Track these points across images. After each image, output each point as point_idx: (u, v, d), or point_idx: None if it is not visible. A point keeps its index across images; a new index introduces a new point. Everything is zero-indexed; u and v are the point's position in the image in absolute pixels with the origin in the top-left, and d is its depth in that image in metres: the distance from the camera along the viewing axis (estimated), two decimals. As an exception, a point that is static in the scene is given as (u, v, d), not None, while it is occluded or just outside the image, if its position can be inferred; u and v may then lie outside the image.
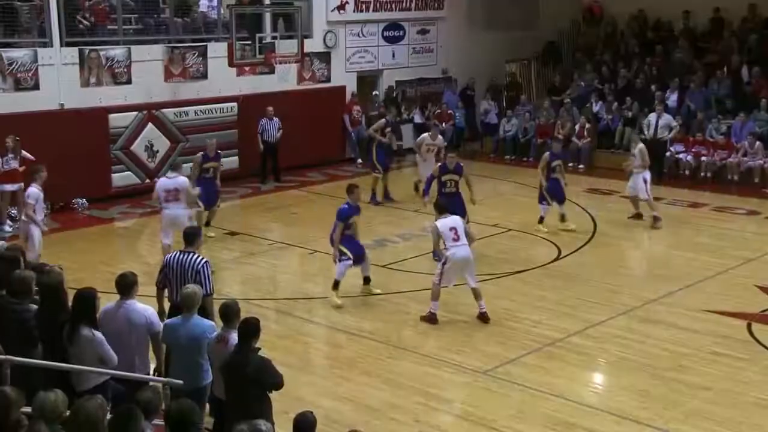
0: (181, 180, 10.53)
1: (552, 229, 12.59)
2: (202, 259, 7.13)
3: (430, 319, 9.18)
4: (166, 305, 7.26)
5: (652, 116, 16.60)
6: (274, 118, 15.95)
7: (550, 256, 11.57)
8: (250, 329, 5.76)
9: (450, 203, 10.34)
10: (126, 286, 6.26)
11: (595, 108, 18.32)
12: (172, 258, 7.22)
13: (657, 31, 19.98)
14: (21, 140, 12.60)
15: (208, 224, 12.09)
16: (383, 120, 15.12)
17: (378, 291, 10.10)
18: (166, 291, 7.25)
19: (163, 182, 10.67)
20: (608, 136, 17.91)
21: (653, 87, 17.88)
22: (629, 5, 20.35)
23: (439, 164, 11.65)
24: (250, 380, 5.62)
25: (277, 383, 5.75)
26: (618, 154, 17.37)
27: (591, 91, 18.83)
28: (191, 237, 7.39)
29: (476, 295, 9.26)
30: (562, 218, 12.71)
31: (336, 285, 9.69)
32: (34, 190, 10.12)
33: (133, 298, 6.27)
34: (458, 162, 11.61)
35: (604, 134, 17.95)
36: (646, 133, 16.54)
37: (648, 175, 13.09)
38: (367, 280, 10.07)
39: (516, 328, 9.10)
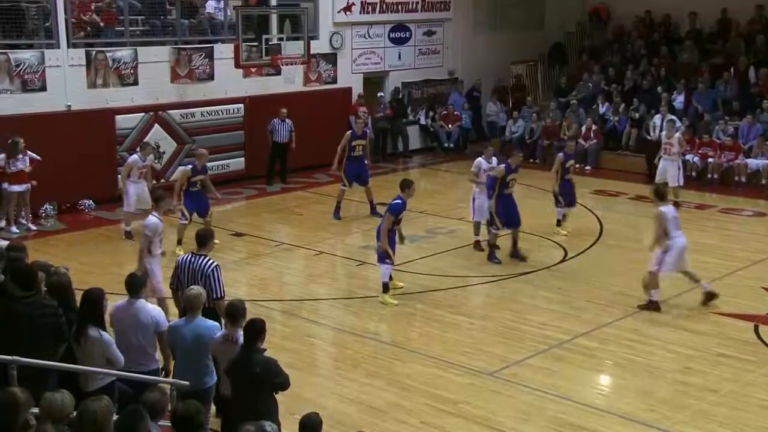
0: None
1: (570, 233, 12.55)
2: (213, 262, 7.06)
3: (651, 306, 9.38)
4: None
5: (657, 117, 16.61)
6: (287, 120, 15.83)
7: (557, 257, 11.56)
8: (256, 329, 5.77)
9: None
10: (135, 286, 6.30)
11: (602, 109, 18.30)
12: (183, 260, 7.20)
13: (664, 33, 19.94)
14: (28, 141, 12.61)
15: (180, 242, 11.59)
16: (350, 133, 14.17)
17: (401, 284, 10.12)
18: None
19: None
20: (615, 138, 17.88)
21: (660, 88, 17.85)
22: (636, 6, 20.32)
23: (504, 164, 11.29)
24: (256, 380, 5.63)
25: (283, 384, 5.76)
26: (624, 156, 17.36)
27: (597, 93, 18.80)
28: (204, 239, 7.25)
29: (694, 278, 9.54)
30: (561, 220, 12.59)
31: (386, 288, 9.75)
32: (154, 220, 8.63)
33: (141, 298, 6.31)
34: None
35: (611, 136, 17.91)
36: (652, 134, 16.54)
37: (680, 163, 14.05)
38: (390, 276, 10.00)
39: (522, 329, 9.09)
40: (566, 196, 12.53)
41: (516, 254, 11.35)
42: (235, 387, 5.82)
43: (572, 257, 11.59)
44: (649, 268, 9.47)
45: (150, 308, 6.31)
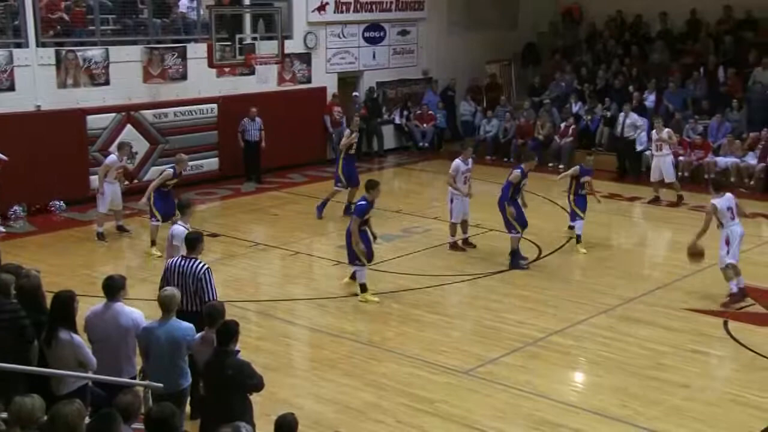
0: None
1: (535, 230, 12.62)
2: (204, 265, 6.98)
3: (737, 297, 9.50)
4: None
5: (621, 116, 16.87)
6: (257, 119, 15.89)
7: (531, 255, 11.61)
8: (229, 331, 5.74)
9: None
10: (113, 288, 6.21)
11: (575, 108, 18.43)
12: (173, 264, 7.10)
13: (635, 33, 20.14)
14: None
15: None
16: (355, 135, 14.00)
17: (376, 299, 9.95)
18: None
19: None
20: (588, 136, 18.02)
21: (631, 87, 18.02)
22: (607, 6, 20.50)
23: (519, 169, 11.14)
24: (228, 382, 5.59)
25: (257, 385, 5.72)
26: (598, 153, 17.50)
27: (570, 92, 18.94)
28: (193, 242, 7.16)
29: (736, 271, 9.61)
30: (580, 235, 11.95)
31: (364, 288, 9.78)
32: (181, 229, 8.07)
33: (120, 301, 6.22)
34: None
35: (584, 134, 18.05)
36: (618, 132, 16.77)
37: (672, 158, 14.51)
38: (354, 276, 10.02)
39: (498, 328, 9.12)
40: (583, 210, 11.92)
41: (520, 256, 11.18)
42: (209, 388, 5.78)
43: (546, 255, 11.66)
44: (721, 265, 9.61)
45: (129, 311, 6.21)
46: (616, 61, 19.18)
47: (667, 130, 14.75)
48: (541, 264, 11.34)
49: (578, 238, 11.86)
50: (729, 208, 9.59)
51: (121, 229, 12.66)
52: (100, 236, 12.23)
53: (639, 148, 16.49)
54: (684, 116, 17.03)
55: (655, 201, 14.60)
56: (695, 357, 8.34)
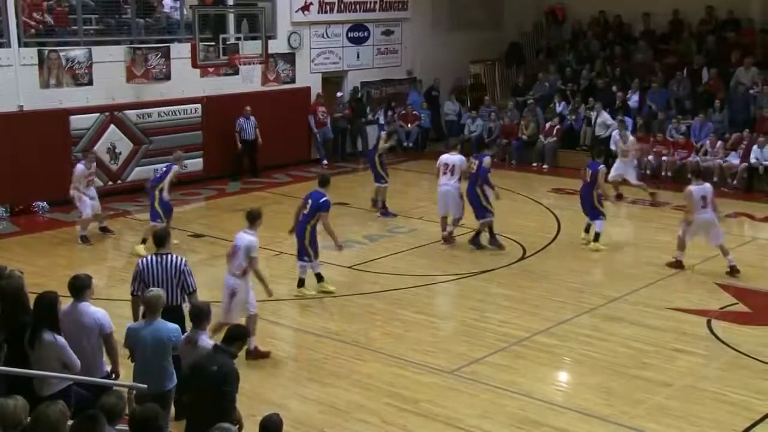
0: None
1: (519, 230, 12.69)
2: (183, 259, 7.14)
3: (676, 264, 10.66)
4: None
5: (592, 115, 17.01)
6: (251, 117, 16.18)
7: (515, 255, 11.67)
8: (238, 335, 5.78)
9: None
10: (78, 288, 6.18)
11: (559, 108, 18.53)
12: (148, 262, 7.09)
13: (618, 33, 20.27)
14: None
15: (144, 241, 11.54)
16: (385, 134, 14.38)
17: (332, 288, 10.08)
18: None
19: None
20: (571, 136, 18.12)
21: (614, 87, 18.15)
22: (591, 7, 20.62)
23: (486, 156, 11.94)
24: (212, 379, 5.50)
25: (227, 394, 5.51)
26: (581, 153, 17.60)
27: (554, 92, 19.04)
28: (164, 239, 7.29)
29: (723, 252, 10.56)
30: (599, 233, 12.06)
31: (302, 283, 9.95)
32: (255, 239, 8.09)
33: (86, 301, 6.19)
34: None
35: (568, 134, 18.15)
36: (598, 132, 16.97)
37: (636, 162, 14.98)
38: (320, 278, 10.10)
39: (482, 327, 9.16)
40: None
41: (495, 242, 11.83)
42: (195, 387, 5.69)
43: (530, 255, 11.71)
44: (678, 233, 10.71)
45: (93, 310, 6.17)
46: (600, 62, 19.31)
47: (631, 139, 14.99)
48: (525, 264, 11.40)
49: (597, 237, 11.87)
50: (703, 197, 10.38)
51: (104, 230, 12.61)
52: (84, 239, 12.15)
53: (612, 146, 16.60)
54: (667, 116, 17.17)
55: (619, 198, 14.74)
56: (678, 356, 8.41)
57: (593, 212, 12.03)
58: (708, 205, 10.48)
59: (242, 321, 7.77)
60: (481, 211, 11.63)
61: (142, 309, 6.52)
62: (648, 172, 16.53)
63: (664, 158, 16.46)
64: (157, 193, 11.65)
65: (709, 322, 9.24)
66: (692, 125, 16.79)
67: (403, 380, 7.86)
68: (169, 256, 7.09)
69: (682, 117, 17.05)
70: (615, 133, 15.67)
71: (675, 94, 17.77)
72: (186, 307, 7.00)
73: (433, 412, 7.24)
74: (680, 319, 9.34)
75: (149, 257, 7.20)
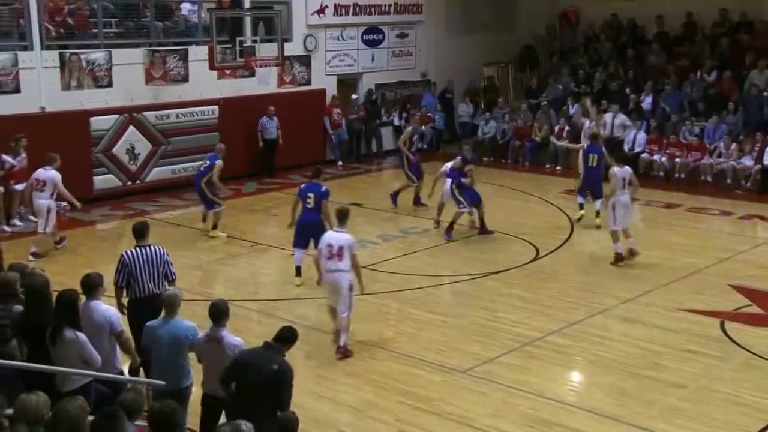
0: (52, 173, 11.28)
1: (531, 230, 12.65)
2: (163, 249, 7.46)
3: (618, 258, 11.03)
4: (125, 301, 7.34)
5: (608, 116, 16.98)
6: (275, 117, 16.38)
7: (528, 256, 11.64)
8: (289, 336, 5.86)
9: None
10: (90, 286, 6.26)
11: (571, 111, 18.46)
12: (132, 254, 7.31)
13: (631, 35, 20.17)
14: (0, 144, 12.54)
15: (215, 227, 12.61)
16: (410, 129, 14.63)
17: (298, 282, 10.39)
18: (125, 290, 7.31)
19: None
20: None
21: (628, 90, 18.05)
22: (604, 10, 20.53)
23: (461, 155, 12.66)
24: (270, 377, 5.46)
25: (286, 398, 5.52)
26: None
27: (567, 94, 18.97)
28: (144, 231, 7.57)
29: (626, 234, 11.06)
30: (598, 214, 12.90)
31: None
32: (350, 237, 8.36)
33: (98, 299, 6.26)
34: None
35: (580, 136, 18.04)
36: (603, 131, 16.81)
37: None
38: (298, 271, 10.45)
39: (495, 327, 9.14)
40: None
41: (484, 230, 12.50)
42: (248, 382, 5.54)
43: (543, 256, 11.68)
44: (610, 228, 11.11)
45: (104, 308, 6.24)
46: (613, 64, 19.22)
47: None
48: (538, 265, 11.37)
49: (598, 213, 12.73)
50: (623, 179, 10.85)
51: (60, 241, 11.93)
52: (36, 255, 11.32)
53: (626, 147, 16.55)
54: (680, 118, 17.07)
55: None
56: (691, 357, 8.36)
57: (582, 192, 13.26)
58: (626, 188, 10.93)
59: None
60: (457, 202, 12.31)
61: (125, 300, 7.20)
62: (661, 173, 16.46)
63: (677, 160, 16.37)
64: (203, 185, 12.16)
65: (722, 324, 9.17)
66: (706, 127, 16.68)
67: (417, 379, 7.86)
68: (152, 247, 7.39)
69: (696, 119, 16.95)
70: (631, 134, 15.58)
71: (688, 96, 17.66)
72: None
73: (446, 411, 7.23)
74: (693, 321, 9.28)
75: (133, 249, 7.38)
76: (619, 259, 11.05)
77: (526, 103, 19.24)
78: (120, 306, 7.17)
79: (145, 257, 7.29)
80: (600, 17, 20.73)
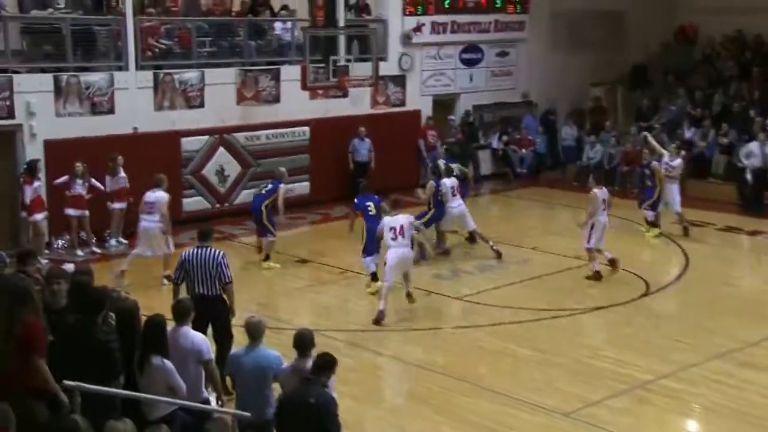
0: (160, 194, 11.62)
1: (642, 265, 12.25)
2: (220, 251, 8.10)
3: (596, 276, 11.51)
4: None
5: (753, 145, 16.10)
6: (366, 139, 16.46)
7: (637, 291, 11.26)
8: (326, 363, 5.78)
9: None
10: (181, 312, 6.48)
11: (688, 134, 17.84)
12: (190, 254, 8.04)
13: (757, 53, 19.39)
14: (94, 165, 13.10)
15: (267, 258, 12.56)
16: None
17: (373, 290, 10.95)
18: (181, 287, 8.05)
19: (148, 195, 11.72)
20: (702, 165, 17.37)
21: (752, 112, 17.31)
22: (726, 25, 19.82)
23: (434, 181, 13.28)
24: (308, 412, 5.50)
25: (336, 423, 5.57)
26: (713, 184, 16.85)
27: (682, 117, 18.37)
28: (209, 233, 8.39)
29: (600, 252, 11.66)
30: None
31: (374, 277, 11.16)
32: (406, 216, 10.76)
33: (187, 325, 6.45)
34: None
35: (698, 162, 17.43)
36: (745, 162, 16.03)
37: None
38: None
39: (599, 367, 8.87)
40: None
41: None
42: (286, 417, 5.67)
43: (654, 292, 11.27)
44: (584, 245, 11.64)
45: (193, 335, 6.39)
46: (735, 84, 18.50)
47: (679, 159, 14.34)
48: (647, 301, 10.98)
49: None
50: (604, 200, 11.61)
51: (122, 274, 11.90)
52: (169, 278, 10.80)
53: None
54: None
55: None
56: (823, 409, 7.86)
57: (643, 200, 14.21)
58: (607, 208, 11.65)
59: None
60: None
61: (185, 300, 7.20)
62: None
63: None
64: (263, 209, 12.19)
65: None
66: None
67: (513, 419, 7.70)
68: (209, 249, 8.05)
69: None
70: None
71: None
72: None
73: (545, 457, 7.04)
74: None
75: (192, 249, 8.15)
76: (597, 277, 11.51)
77: (635, 126, 18.73)
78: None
79: (200, 258, 7.95)
80: (720, 33, 20.05)
